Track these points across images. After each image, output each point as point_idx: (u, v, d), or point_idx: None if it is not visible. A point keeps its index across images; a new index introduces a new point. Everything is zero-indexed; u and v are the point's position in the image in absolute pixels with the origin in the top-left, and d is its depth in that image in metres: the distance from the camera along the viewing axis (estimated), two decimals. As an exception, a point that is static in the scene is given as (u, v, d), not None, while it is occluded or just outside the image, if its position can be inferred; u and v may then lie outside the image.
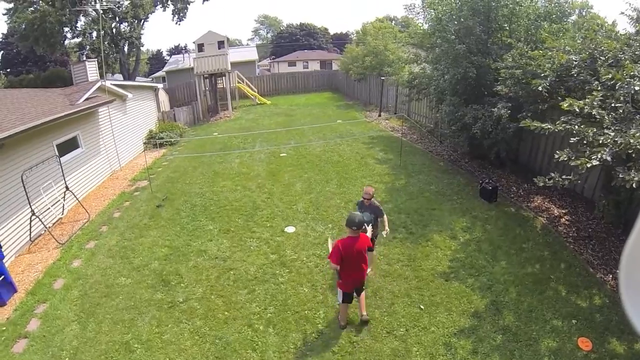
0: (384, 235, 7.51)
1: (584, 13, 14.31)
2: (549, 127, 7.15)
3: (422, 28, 16.61)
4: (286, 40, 68.10)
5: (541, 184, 6.93)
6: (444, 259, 8.29)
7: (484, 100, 11.48)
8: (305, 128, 19.74)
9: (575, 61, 8.27)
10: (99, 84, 14.92)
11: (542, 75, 8.66)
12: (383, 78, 23.08)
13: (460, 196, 11.06)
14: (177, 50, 63.77)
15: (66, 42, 34.55)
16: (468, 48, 11.45)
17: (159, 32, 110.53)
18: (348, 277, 6.14)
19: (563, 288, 7.20)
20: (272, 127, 20.96)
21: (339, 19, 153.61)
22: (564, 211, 9.88)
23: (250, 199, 11.69)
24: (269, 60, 63.41)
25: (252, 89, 31.57)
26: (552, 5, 11.88)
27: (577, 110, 6.78)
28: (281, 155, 15.87)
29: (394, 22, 55.34)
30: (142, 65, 62.84)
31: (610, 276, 7.41)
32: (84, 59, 19.78)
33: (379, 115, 22.44)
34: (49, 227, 10.39)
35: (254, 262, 8.49)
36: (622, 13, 9.82)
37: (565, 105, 6.87)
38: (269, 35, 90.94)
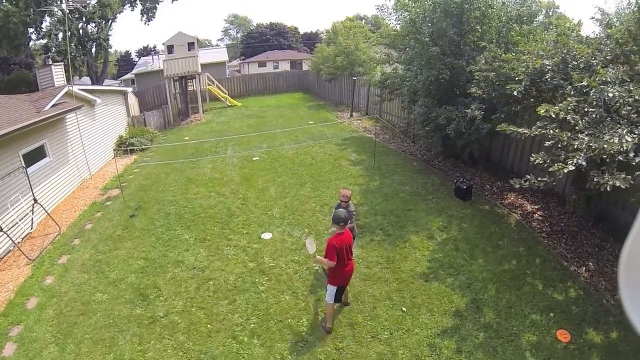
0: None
1: (550, 13, 14.63)
2: (525, 131, 7.29)
3: (394, 29, 16.68)
4: (256, 40, 67.59)
5: (517, 186, 7.13)
6: (422, 260, 8.35)
7: (457, 101, 11.61)
8: (277, 131, 19.57)
9: (549, 66, 8.42)
10: (66, 89, 14.42)
11: (517, 79, 8.82)
12: (355, 78, 23.02)
13: (435, 196, 11.16)
14: (146, 51, 62.50)
15: (31, 43, 33.48)
16: (441, 50, 11.55)
17: (127, 33, 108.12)
18: (340, 272, 6.23)
19: (539, 282, 7.42)
20: (243, 130, 20.77)
21: (309, 18, 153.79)
22: (536, 207, 10.11)
23: (225, 206, 11.53)
24: (239, 61, 62.81)
25: (222, 90, 31.15)
26: (524, 8, 12.08)
27: (553, 115, 6.91)
28: (254, 159, 15.70)
29: (364, 21, 55.61)
30: (110, 67, 61.51)
31: (584, 268, 7.68)
32: (50, 62, 19.05)
33: (351, 116, 22.45)
34: (18, 242, 10.00)
35: (233, 271, 8.37)
36: (592, 18, 10.06)
37: (541, 111, 7.00)
38: (238, 35, 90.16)
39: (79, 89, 15.58)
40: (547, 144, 7.08)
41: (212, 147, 17.90)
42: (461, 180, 11.09)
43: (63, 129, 13.99)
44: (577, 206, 9.04)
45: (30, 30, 30.37)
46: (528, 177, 6.97)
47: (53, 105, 12.97)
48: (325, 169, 13.87)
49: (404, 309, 7.02)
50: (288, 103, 29.36)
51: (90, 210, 12.15)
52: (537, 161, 6.82)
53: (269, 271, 8.29)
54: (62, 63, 17.73)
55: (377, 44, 21.85)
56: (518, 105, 9.82)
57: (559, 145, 6.83)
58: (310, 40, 69.66)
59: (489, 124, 10.22)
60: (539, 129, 7.13)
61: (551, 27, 12.19)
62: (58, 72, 16.29)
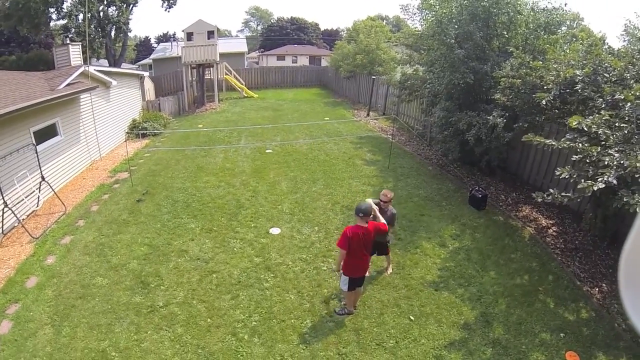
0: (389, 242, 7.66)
1: (574, 25, 14.23)
2: (553, 143, 7.02)
3: (417, 30, 16.40)
4: (276, 34, 67.67)
5: (539, 200, 6.87)
6: (433, 268, 8.10)
7: (478, 107, 11.31)
8: (292, 125, 19.42)
9: (580, 76, 8.12)
10: (81, 69, 14.32)
11: (545, 88, 8.58)
12: (374, 77, 22.85)
13: (449, 202, 10.91)
14: (165, 38, 62.81)
15: (51, 24, 33.54)
16: (467, 53, 11.26)
17: (147, 19, 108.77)
18: (354, 263, 6.20)
19: (551, 300, 7.15)
20: (258, 121, 20.58)
21: (330, 15, 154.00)
22: (551, 222, 9.83)
23: (234, 197, 11.34)
24: (258, 53, 62.82)
25: (239, 81, 31.12)
26: (553, 16, 11.75)
27: (585, 128, 6.61)
28: (267, 151, 15.52)
29: (385, 21, 55.25)
30: (129, 51, 61.83)
31: (597, 289, 7.40)
32: (68, 42, 19.00)
33: (367, 115, 22.23)
34: (23, 219, 9.87)
35: (238, 265, 8.16)
36: (624, 32, 9.72)
37: (573, 123, 6.68)
38: (259, 28, 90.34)
39: (95, 70, 15.49)
40: (574, 158, 6.79)
41: (226, 137, 17.79)
42: (476, 188, 10.82)
43: (76, 108, 13.90)
44: (593, 225, 8.73)
45: (51, 10, 30.42)
46: (552, 191, 6.71)
47: (68, 85, 12.83)
48: (338, 167, 13.64)
49: (411, 317, 6.77)
50: (305, 98, 29.22)
51: (98, 192, 12.03)
52: (563, 175, 6.52)
53: (275, 268, 8.08)
54: (80, 43, 17.68)
55: (399, 45, 21.55)
56: (542, 115, 9.58)
57: (587, 161, 6.54)
58: (330, 37, 69.63)
59: (511, 133, 10.01)
60: (568, 142, 6.84)
61: (574, 39, 11.81)
62: (75, 52, 16.25)
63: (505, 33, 12.06)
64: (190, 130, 19.31)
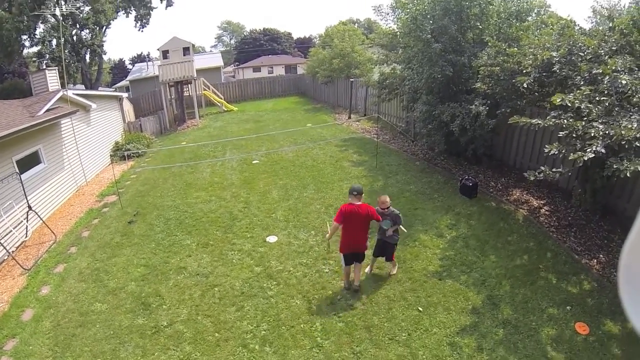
0: (405, 231, 7.86)
1: (542, 12, 14.48)
2: (539, 122, 7.15)
3: (391, 29, 16.51)
4: (250, 46, 67.73)
5: (532, 178, 7.00)
6: (434, 258, 8.14)
7: (459, 98, 11.47)
8: (275, 134, 19.36)
9: (556, 57, 8.33)
10: (60, 94, 14.14)
11: (524, 72, 8.78)
12: (352, 80, 22.89)
13: (440, 194, 10.98)
14: (140, 58, 62.21)
15: (25, 52, 33.19)
16: (443, 47, 11.38)
17: (121, 40, 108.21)
18: (347, 239, 6.85)
19: (553, 276, 7.29)
20: (241, 134, 20.47)
21: (302, 24, 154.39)
22: (542, 202, 9.98)
23: (227, 210, 11.26)
24: (233, 67, 62.75)
25: (218, 95, 30.99)
26: (523, 4, 12.00)
27: (569, 104, 6.76)
28: (253, 162, 15.44)
29: (357, 25, 55.59)
30: (104, 75, 61.27)
31: (595, 261, 7.58)
32: (44, 67, 18.80)
33: (349, 118, 22.25)
34: (12, 252, 9.66)
35: (239, 276, 8.09)
36: (592, 13, 10.00)
37: (557, 100, 6.82)
38: (232, 42, 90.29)
39: (73, 94, 15.29)
40: (560, 134, 6.95)
41: (210, 152, 17.67)
42: (466, 177, 10.90)
43: (58, 134, 13.72)
44: (582, 200, 8.93)
45: (24, 37, 30.15)
46: (543, 168, 6.82)
47: (47, 110, 12.68)
48: (327, 171, 13.64)
49: (420, 308, 6.79)
50: (285, 107, 29.19)
51: (87, 218, 11.84)
52: (552, 152, 6.67)
53: (277, 275, 8.02)
54: (56, 68, 17.47)
55: (374, 46, 21.66)
56: (523, 99, 9.87)
57: (574, 135, 6.67)
58: (303, 45, 69.75)
59: (494, 119, 10.20)
60: (553, 119, 6.96)
61: (544, 26, 12.10)
62: (52, 77, 15.99)
63: (478, 24, 12.20)
64: (174, 147, 19.16)
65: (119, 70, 66.83)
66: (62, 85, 16.36)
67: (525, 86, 8.37)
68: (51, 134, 13.19)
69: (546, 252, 7.98)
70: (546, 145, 6.89)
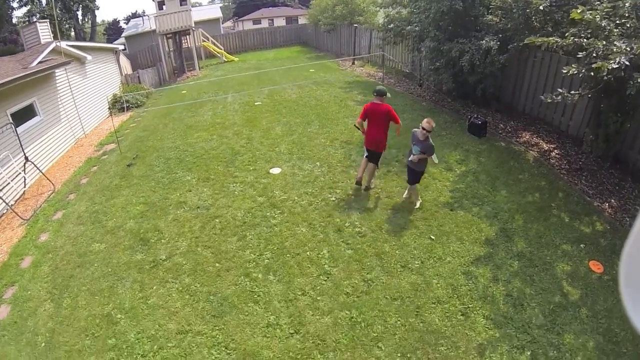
0: (436, 162, 7.70)
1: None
2: (557, 40, 6.66)
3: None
4: (249, -1, 65.46)
5: (549, 100, 6.70)
6: (444, 190, 7.86)
7: (469, 35, 10.92)
8: (277, 78, 18.85)
9: None
10: (53, 45, 13.55)
11: None
12: (356, 25, 22.16)
13: (449, 132, 10.62)
14: (134, 17, 60.41)
15: (15, 19, 32.09)
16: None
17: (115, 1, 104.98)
18: (368, 134, 7.51)
19: (565, 215, 7.05)
20: (243, 80, 19.91)
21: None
22: (552, 146, 9.69)
23: (228, 146, 10.89)
24: (233, 21, 60.96)
25: (218, 46, 30.16)
26: None
27: (590, 17, 6.22)
28: (256, 103, 14.98)
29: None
30: (99, 36, 59.89)
31: (607, 204, 7.38)
32: (35, 20, 18.13)
33: (353, 63, 21.63)
34: (12, 204, 9.28)
35: (241, 207, 7.78)
36: None
37: (577, 13, 6.28)
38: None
39: (67, 45, 14.65)
40: (580, 54, 6.44)
41: (211, 97, 17.16)
42: (475, 116, 10.47)
43: (53, 86, 13.18)
44: (594, 146, 8.65)
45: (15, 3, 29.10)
46: (560, 90, 6.41)
47: (40, 62, 12.16)
48: (331, 109, 13.22)
49: (432, 237, 6.51)
50: (287, 56, 28.45)
51: (86, 166, 11.48)
52: (571, 72, 6.23)
53: (281, 204, 7.72)
54: (47, 20, 16.73)
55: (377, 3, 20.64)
56: (536, 34, 9.22)
57: (594, 54, 6.19)
58: (305, -1, 67.65)
59: (505, 55, 9.77)
60: (572, 37, 6.46)
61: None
62: (44, 30, 15.29)
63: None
64: (174, 96, 18.68)
65: (114, 31, 64.64)
66: (55, 37, 15.60)
67: (542, 8, 7.81)
68: (46, 86, 12.68)
69: (558, 192, 7.74)
70: (564, 67, 6.43)
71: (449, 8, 10.68)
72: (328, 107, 13.46)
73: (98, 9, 35.98)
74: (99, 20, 47.01)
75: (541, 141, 9.88)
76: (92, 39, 35.17)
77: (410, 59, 16.73)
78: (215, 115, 14.20)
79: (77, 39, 34.16)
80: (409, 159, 6.92)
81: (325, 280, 5.82)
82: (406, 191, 7.60)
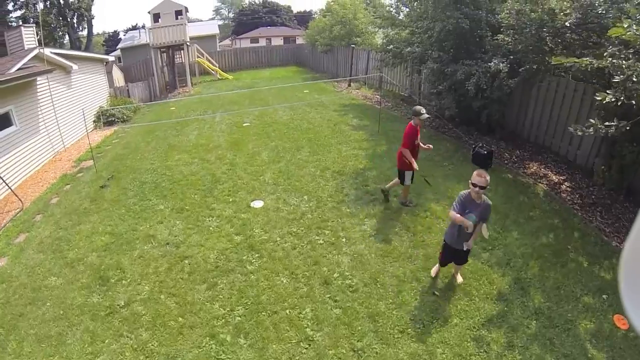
0: (486, 237, 5.76)
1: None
2: (591, 61, 5.77)
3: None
4: (248, 18, 65.60)
5: (579, 133, 5.90)
6: (449, 232, 6.91)
7: (474, 56, 10.20)
8: (270, 98, 18.10)
9: None
10: (35, 52, 12.76)
11: (563, 13, 7.51)
12: (353, 46, 21.56)
13: (451, 162, 9.80)
14: (134, 29, 60.26)
15: (14, 21, 31.36)
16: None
17: (116, 13, 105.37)
18: (415, 158, 7.22)
19: (584, 259, 6.25)
20: (234, 99, 19.18)
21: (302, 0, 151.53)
22: (562, 177, 9.01)
23: (209, 172, 9.97)
24: (231, 39, 60.91)
25: (212, 63, 29.57)
26: None
27: (635, 32, 5.31)
28: (244, 124, 14.14)
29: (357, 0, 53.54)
30: (98, 47, 59.72)
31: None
32: (20, 23, 17.41)
33: (349, 85, 20.97)
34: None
35: (214, 247, 6.78)
36: None
37: (620, 29, 5.33)
38: (230, 15, 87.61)
39: (51, 52, 13.89)
40: (616, 79, 5.56)
41: (199, 116, 16.34)
42: (480, 145, 9.65)
43: (33, 95, 12.39)
44: (606, 178, 7.98)
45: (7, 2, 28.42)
46: (592, 121, 5.54)
47: (20, 69, 11.39)
48: (324, 134, 12.35)
49: (436, 292, 5.53)
50: (282, 75, 27.92)
51: (59, 183, 10.65)
52: (607, 100, 5.37)
53: (260, 246, 6.72)
54: (34, 25, 15.96)
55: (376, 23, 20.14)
56: (551, 55, 8.48)
57: (634, 79, 5.32)
58: (303, 19, 67.86)
59: (516, 79, 9.08)
60: (609, 58, 5.59)
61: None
62: (29, 35, 14.49)
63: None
64: (162, 112, 17.87)
65: (114, 42, 64.42)
66: (40, 43, 14.79)
67: (568, 25, 7.06)
68: (24, 94, 11.92)
69: (573, 231, 6.93)
70: (597, 94, 5.56)
71: (454, 26, 9.97)
72: (320, 132, 12.61)
73: (93, 17, 35.52)
74: (99, 30, 46.68)
75: (550, 172, 9.21)
76: (87, 49, 34.49)
77: (409, 82, 16.13)
78: (200, 135, 13.34)
79: (72, 47, 33.60)
80: (465, 244, 5.18)
81: (306, 349, 4.79)
82: (457, 276, 5.85)
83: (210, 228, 7.38)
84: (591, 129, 5.55)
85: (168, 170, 10.35)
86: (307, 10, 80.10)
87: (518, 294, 5.51)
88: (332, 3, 27.97)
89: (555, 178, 8.94)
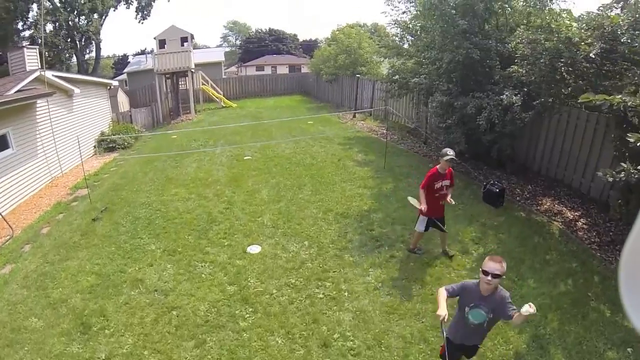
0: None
1: None
2: (624, 99, 5.30)
3: (402, 21, 14.84)
4: (254, 45, 66.38)
5: (610, 179, 5.44)
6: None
7: (484, 88, 9.80)
8: (273, 129, 17.80)
9: (624, 25, 6.61)
10: (36, 74, 12.69)
11: (584, 43, 7.06)
12: (358, 76, 21.40)
13: (460, 201, 9.17)
14: (142, 54, 61.12)
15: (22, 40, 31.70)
16: (469, 27, 9.74)
17: (125, 37, 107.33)
18: (430, 204, 6.59)
19: (605, 308, 5.76)
20: (237, 129, 18.89)
21: (308, 28, 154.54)
22: (577, 214, 8.52)
23: (205, 210, 9.50)
24: (237, 66, 61.47)
25: (217, 91, 29.58)
26: None
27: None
28: (245, 158, 13.75)
29: (363, 28, 53.96)
30: (106, 69, 60.53)
31: None
32: (23, 44, 17.39)
33: (354, 117, 20.64)
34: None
35: (205, 298, 6.25)
36: None
37: None
38: (237, 42, 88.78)
39: (53, 75, 13.87)
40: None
41: (200, 146, 16.06)
42: (491, 182, 9.18)
43: (32, 118, 12.27)
44: (623, 213, 7.48)
45: (18, 21, 28.63)
46: (624, 165, 5.06)
47: (19, 90, 11.29)
48: (327, 170, 11.89)
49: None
50: (286, 104, 27.80)
51: (53, 212, 10.33)
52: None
53: (255, 299, 6.17)
54: (37, 47, 15.96)
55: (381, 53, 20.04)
56: (567, 88, 8.18)
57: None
58: (309, 47, 68.52)
59: (530, 112, 8.54)
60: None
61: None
62: (32, 56, 14.69)
63: (507, 5, 10.56)
64: (163, 140, 17.61)
65: (123, 65, 65.36)
66: (42, 65, 14.69)
67: (593, 56, 6.71)
68: (23, 117, 11.78)
69: (593, 276, 6.44)
70: (629, 134, 5.10)
71: (464, 57, 9.60)
72: (324, 168, 12.16)
73: (101, 41, 35.80)
74: (109, 53, 47.37)
75: (564, 208, 8.75)
76: (94, 71, 34.79)
77: (416, 113, 15.77)
78: (200, 168, 12.96)
79: (80, 69, 33.88)
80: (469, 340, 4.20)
81: None
82: None
83: (203, 275, 6.85)
84: (622, 174, 5.07)
85: (163, 205, 9.92)
86: (313, 39, 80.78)
87: (537, 353, 4.99)
88: (337, 32, 28.08)
89: (570, 214, 8.48)
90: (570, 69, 7.63)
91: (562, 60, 7.44)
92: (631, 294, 0.93)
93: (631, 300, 0.93)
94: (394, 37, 17.69)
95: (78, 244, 8.30)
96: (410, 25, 13.77)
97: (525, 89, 8.67)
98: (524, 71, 8.42)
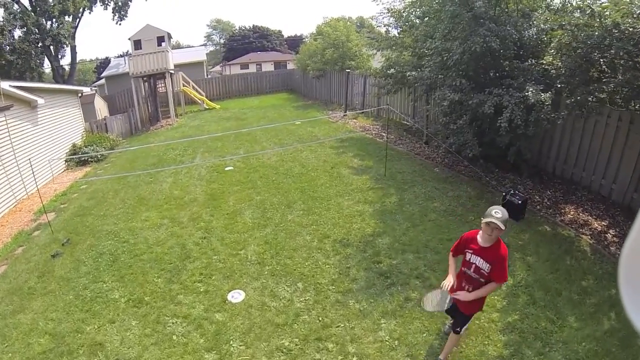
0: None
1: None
2: None
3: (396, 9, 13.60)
4: (239, 43, 65.16)
5: None
6: (492, 330, 5.09)
7: (502, 83, 8.50)
8: (257, 133, 16.49)
9: None
10: None
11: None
12: (348, 71, 20.20)
13: (476, 215, 7.94)
14: (123, 56, 59.64)
15: None
16: (485, 10, 8.56)
17: (108, 40, 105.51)
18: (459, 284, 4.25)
19: None
20: (218, 133, 17.51)
21: (293, 23, 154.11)
22: (604, 223, 7.59)
23: (179, 241, 8.08)
24: (221, 65, 60.17)
25: (199, 92, 28.26)
26: None
27: None
28: (226, 169, 12.36)
29: (349, 22, 52.88)
30: (89, 74, 58.64)
31: None
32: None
33: (345, 114, 19.39)
34: None
35: (177, 371, 4.90)
36: None
37: None
38: (221, 41, 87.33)
39: (10, 86, 12.38)
40: None
41: (178, 156, 14.70)
42: (511, 192, 7.96)
43: None
44: None
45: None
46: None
47: None
48: (320, 181, 10.53)
49: None
50: (272, 104, 26.56)
51: (13, 244, 8.96)
52: None
53: (239, 372, 4.82)
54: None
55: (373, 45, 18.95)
56: (602, 84, 7.12)
57: None
58: (294, 43, 67.55)
59: (564, 112, 7.47)
60: None
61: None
62: None
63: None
64: (139, 150, 16.28)
65: (104, 69, 63.96)
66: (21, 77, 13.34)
67: None
68: None
69: None
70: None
71: (482, 47, 8.25)
72: (316, 179, 10.77)
73: (75, 46, 34.13)
74: (92, 57, 45.86)
75: (590, 217, 7.82)
76: (71, 77, 33.24)
77: (412, 109, 14.74)
78: (176, 183, 11.61)
79: (55, 76, 32.42)
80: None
81: None
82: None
83: (174, 337, 5.42)
84: None
85: (132, 235, 8.54)
86: (298, 34, 79.69)
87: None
88: (323, 26, 26.83)
89: (597, 225, 7.52)
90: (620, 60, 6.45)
91: (609, 53, 6.21)
92: (631, 294, 0.90)
93: (631, 300, 0.90)
94: (386, 27, 16.60)
95: (34, 289, 6.98)
96: (405, 14, 12.58)
97: (556, 85, 7.51)
98: (559, 63, 7.21)
